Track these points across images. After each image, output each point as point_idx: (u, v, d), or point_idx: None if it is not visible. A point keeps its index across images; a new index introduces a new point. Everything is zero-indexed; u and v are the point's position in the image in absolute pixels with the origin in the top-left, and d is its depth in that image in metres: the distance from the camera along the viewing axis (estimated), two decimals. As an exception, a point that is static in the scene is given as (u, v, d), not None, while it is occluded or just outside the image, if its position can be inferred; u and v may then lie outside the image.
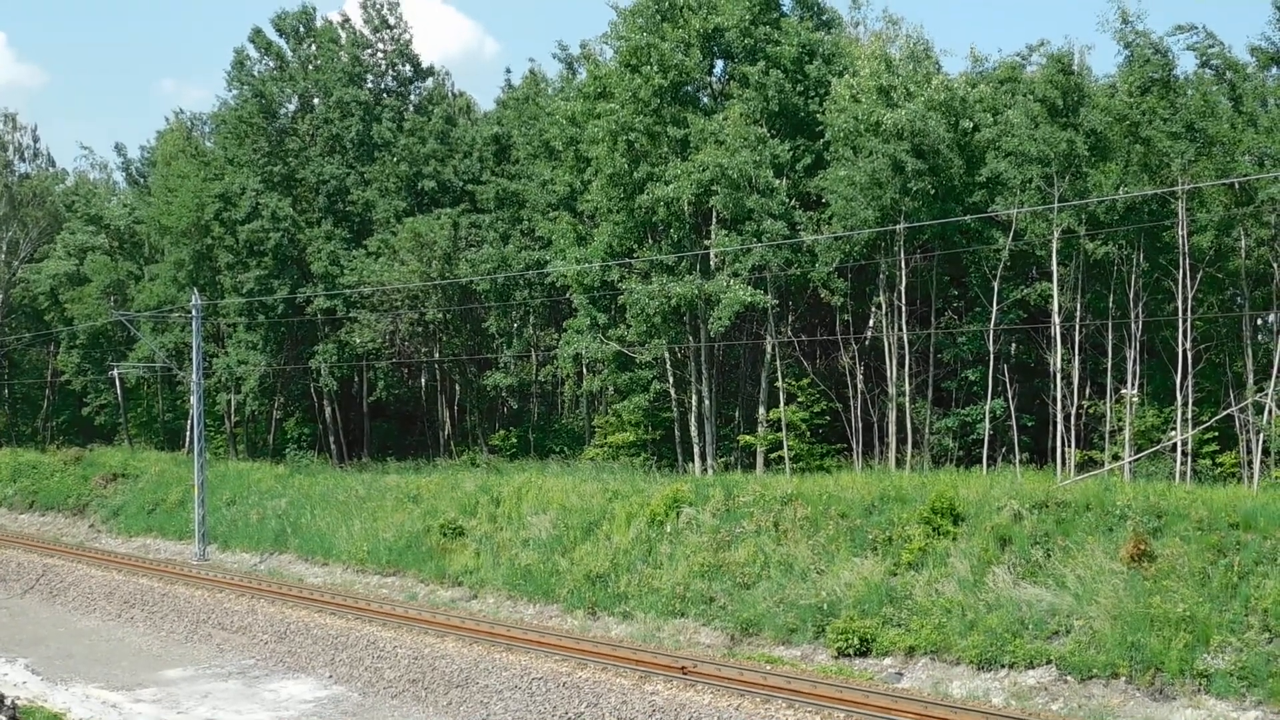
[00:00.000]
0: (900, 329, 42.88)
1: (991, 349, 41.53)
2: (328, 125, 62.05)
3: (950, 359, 43.74)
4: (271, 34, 64.96)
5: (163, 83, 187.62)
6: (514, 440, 56.51)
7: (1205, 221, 38.25)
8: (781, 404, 44.92)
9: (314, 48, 64.91)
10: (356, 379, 62.63)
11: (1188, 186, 37.48)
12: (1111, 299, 40.28)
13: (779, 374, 45.42)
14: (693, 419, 46.85)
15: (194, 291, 53.51)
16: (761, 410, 46.10)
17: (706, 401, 46.34)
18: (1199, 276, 38.67)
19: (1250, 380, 38.79)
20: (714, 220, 45.61)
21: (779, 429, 44.78)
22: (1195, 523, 27.62)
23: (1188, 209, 37.95)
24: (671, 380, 47.45)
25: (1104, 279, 40.75)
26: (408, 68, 66.22)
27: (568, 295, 50.31)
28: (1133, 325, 39.60)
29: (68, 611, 38.85)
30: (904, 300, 42.71)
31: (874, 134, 42.18)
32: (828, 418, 45.83)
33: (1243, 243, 38.77)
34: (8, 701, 24.77)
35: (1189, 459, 38.04)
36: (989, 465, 40.74)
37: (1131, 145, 38.93)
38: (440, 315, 55.99)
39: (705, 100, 49.88)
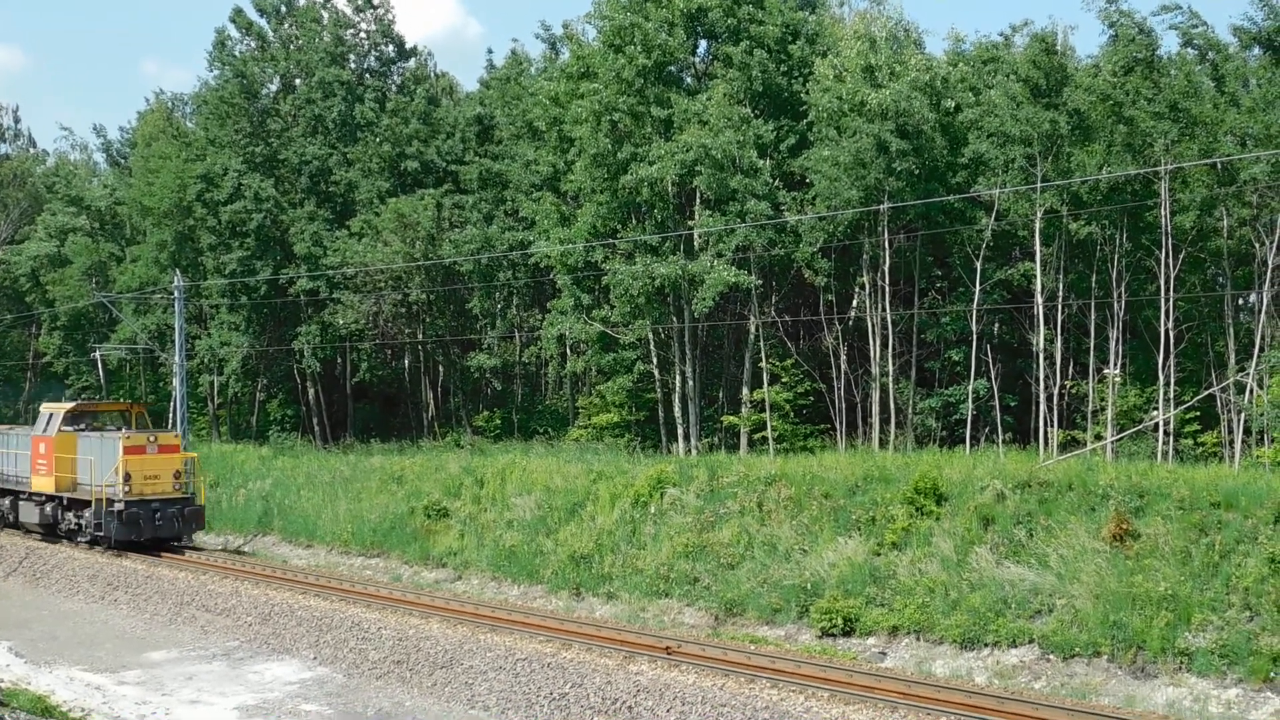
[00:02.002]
0: (884, 309, 42.93)
1: (974, 329, 41.61)
2: (310, 106, 61.77)
3: (933, 339, 43.82)
4: (253, 14, 64.65)
5: (145, 64, 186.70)
6: (498, 421, 56.49)
7: (1188, 202, 38.34)
8: (765, 384, 44.96)
9: (296, 28, 64.61)
10: (340, 360, 62.50)
11: (1170, 167, 37.56)
12: (1094, 279, 40.38)
13: (763, 354, 45.46)
14: (676, 400, 46.87)
15: (176, 273, 53.32)
16: (745, 391, 46.14)
17: (690, 382, 46.36)
18: (1181, 256, 38.79)
19: (1232, 360, 38.94)
20: (698, 201, 45.58)
21: (763, 409, 44.82)
22: (1177, 502, 27.73)
23: (1170, 189, 38.05)
24: (655, 361, 47.46)
25: (1087, 259, 40.85)
26: (390, 48, 65.96)
27: (551, 276, 50.26)
28: (1115, 305, 39.71)
29: (51, 594, 38.77)
30: (887, 280, 42.76)
31: (858, 114, 42.17)
32: (811, 398, 45.89)
33: (1225, 222, 38.91)
34: (-9, 684, 24.74)
35: (1171, 438, 38.20)
36: (972, 445, 40.85)
37: (1115, 125, 38.99)
38: (424, 296, 55.88)
39: (689, 80, 49.81)
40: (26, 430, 45.51)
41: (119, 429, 43.21)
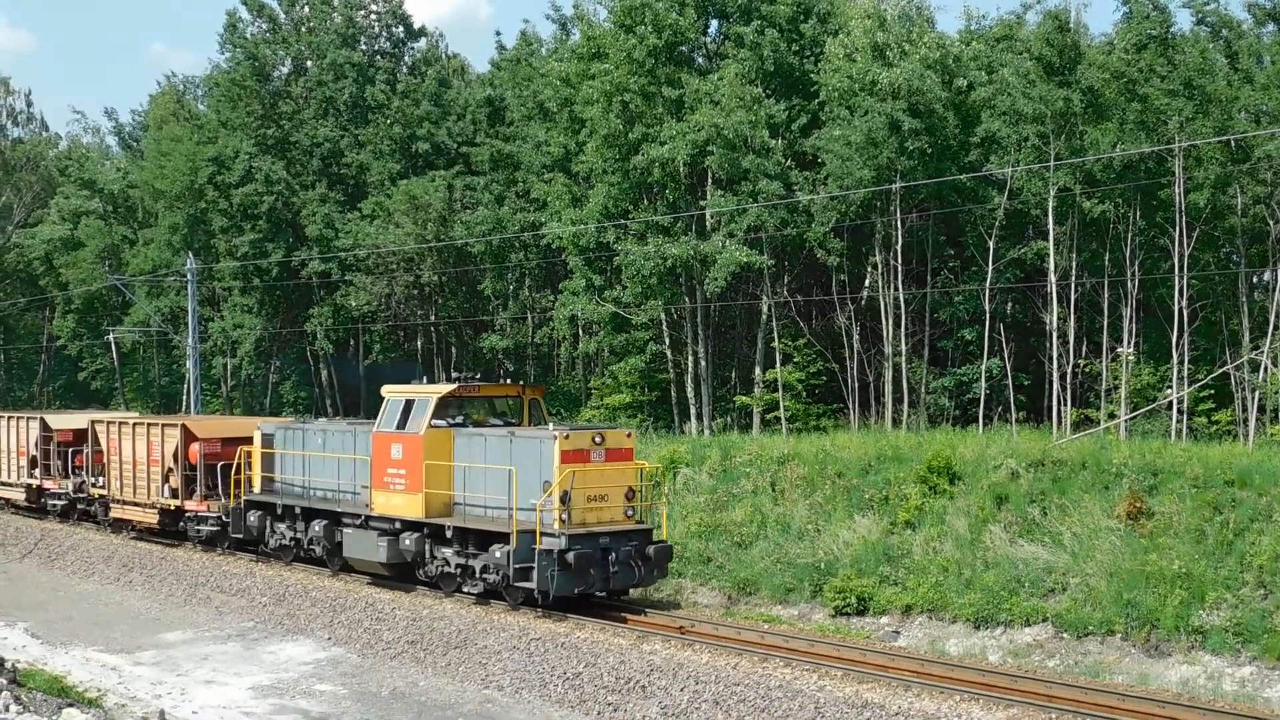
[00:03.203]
0: (896, 289, 42.84)
1: (987, 308, 41.51)
2: (321, 88, 61.75)
3: (946, 318, 43.72)
4: (264, -4, 64.65)
5: (153, 46, 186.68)
6: (510, 402, 56.44)
7: (1202, 179, 38.17)
8: (778, 364, 44.92)
9: (307, 9, 64.55)
10: (352, 342, 62.57)
11: (1184, 144, 37.38)
12: (1108, 257, 40.24)
13: (775, 334, 45.40)
14: (689, 380, 46.85)
15: (189, 255, 53.43)
16: (758, 371, 46.11)
17: (703, 363, 46.34)
18: (1195, 234, 38.62)
19: (1246, 338, 38.81)
20: (710, 181, 45.49)
21: (775, 389, 44.79)
22: (1191, 480, 27.67)
23: (1184, 167, 37.88)
24: (668, 341, 47.42)
25: (1100, 237, 40.71)
26: (401, 29, 65.90)
27: (563, 257, 50.21)
28: (1129, 283, 39.59)
29: (66, 575, 38.92)
30: (900, 260, 42.66)
31: (869, 93, 42.03)
32: (824, 378, 45.84)
33: (1239, 200, 38.72)
34: (8, 665, 24.84)
35: (1185, 417, 38.10)
36: (985, 424, 40.80)
37: (1128, 103, 38.81)
38: (436, 278, 55.89)
39: (700, 60, 49.65)
40: (358, 426, 32.41)
41: (504, 422, 30.34)
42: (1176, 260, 38.19)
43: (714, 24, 50.06)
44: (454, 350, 60.30)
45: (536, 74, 55.88)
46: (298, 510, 33.34)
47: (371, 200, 57.84)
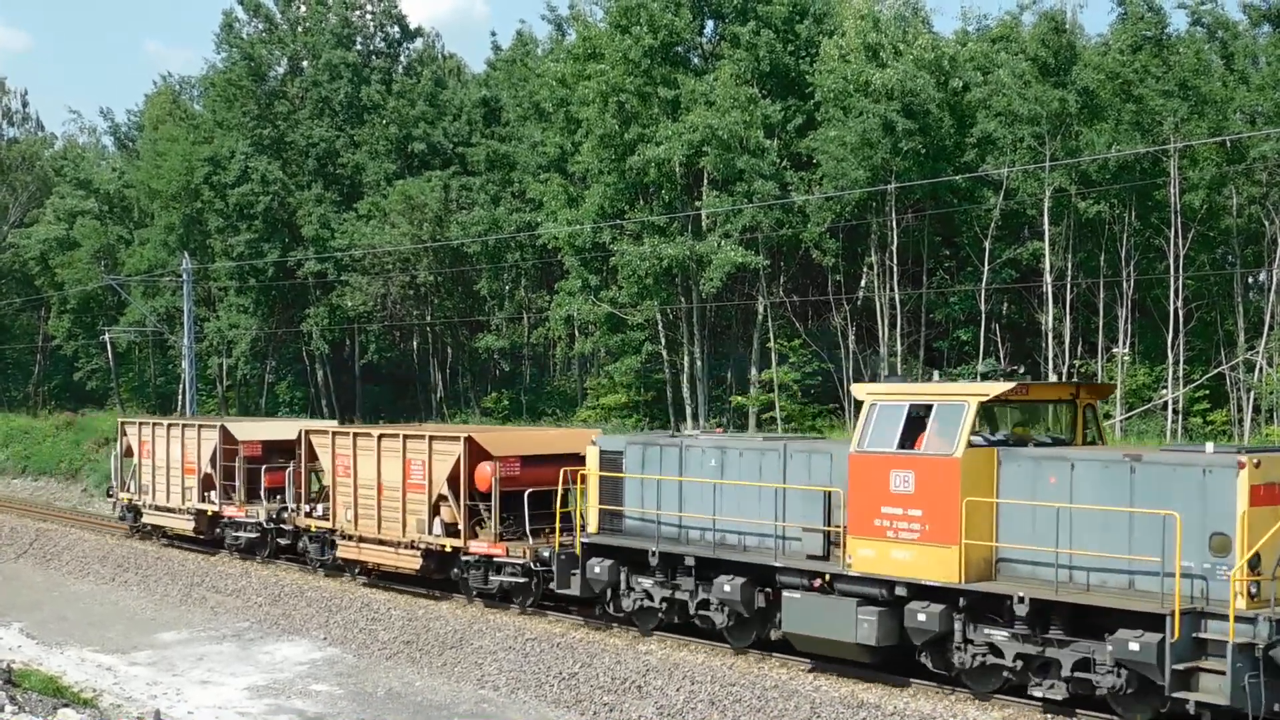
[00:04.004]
0: (892, 289, 42.88)
1: (983, 308, 41.55)
2: (316, 88, 61.76)
3: (942, 319, 43.76)
4: (259, -4, 64.63)
5: (149, 46, 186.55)
6: (506, 402, 56.52)
7: (1197, 180, 38.23)
8: (774, 365, 44.95)
9: (303, 9, 64.54)
10: (348, 342, 62.58)
11: (1180, 145, 37.44)
12: (1103, 258, 40.30)
13: (771, 335, 45.44)
14: (685, 380, 46.88)
15: (184, 255, 53.39)
16: (753, 371, 46.14)
17: (698, 363, 46.37)
18: (1190, 235, 38.68)
19: (1241, 338, 38.88)
20: (705, 181, 45.52)
21: (771, 390, 44.82)
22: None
23: (1179, 167, 37.93)
24: (663, 342, 47.46)
25: (1096, 238, 40.76)
26: (396, 29, 65.91)
27: (559, 257, 50.24)
28: (1124, 284, 39.65)
29: (62, 575, 38.88)
30: (895, 260, 42.71)
31: (863, 94, 42.06)
32: (820, 378, 45.87)
33: (1234, 201, 38.78)
34: (3, 665, 24.83)
35: (1180, 417, 38.15)
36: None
37: (1123, 104, 38.86)
38: (431, 278, 55.90)
39: (696, 61, 49.69)
40: (787, 442, 23.12)
41: (1052, 440, 21.08)
42: (1172, 261, 38.24)
43: (709, 24, 50.12)
44: (449, 350, 60.32)
45: (532, 74, 55.93)
46: (689, 561, 23.65)
47: (367, 200, 57.85)
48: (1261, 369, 37.24)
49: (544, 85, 51.49)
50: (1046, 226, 40.10)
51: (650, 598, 24.52)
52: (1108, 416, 38.45)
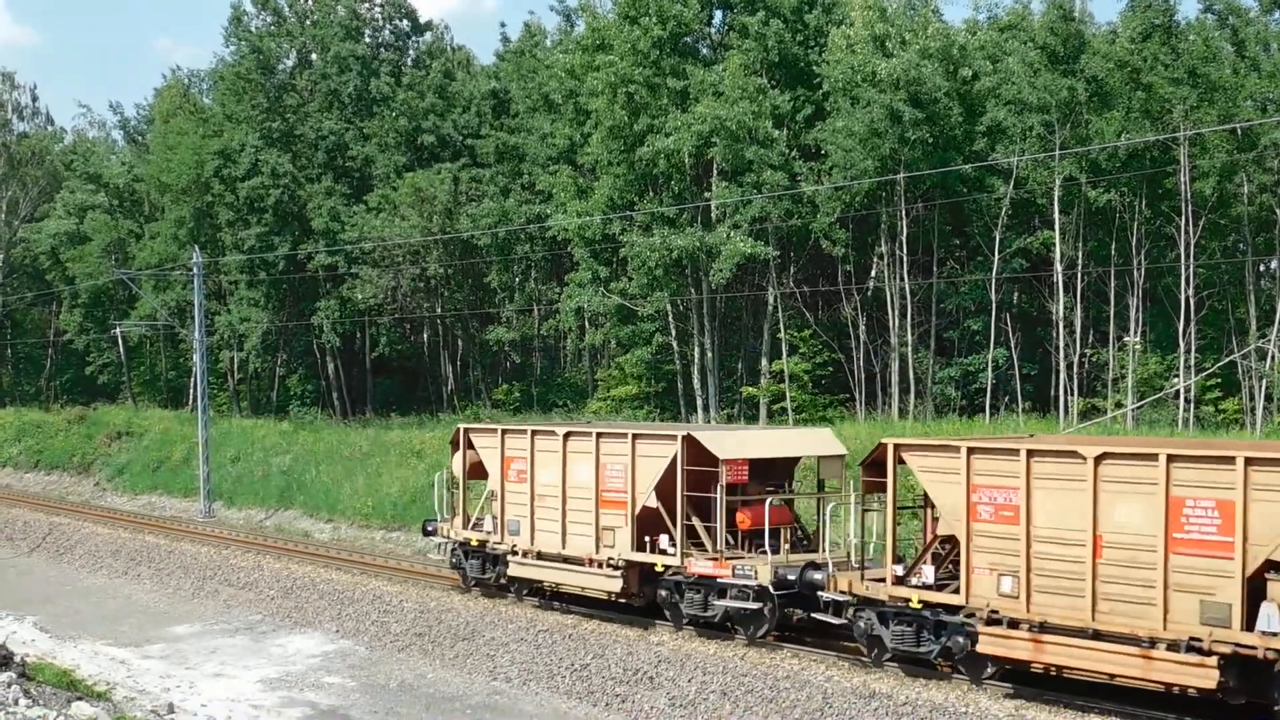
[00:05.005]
0: (902, 279, 42.81)
1: (993, 298, 41.48)
2: (326, 80, 61.75)
3: (952, 308, 43.70)
4: (268, -11, 64.61)
5: (159, 41, 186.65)
6: (517, 394, 56.54)
7: (1207, 168, 38.10)
8: (784, 355, 44.90)
9: (311, 2, 64.52)
10: (359, 335, 62.61)
11: (1190, 133, 37.32)
12: (1114, 246, 40.19)
13: (781, 325, 45.38)
14: (695, 371, 46.85)
15: (195, 249, 53.38)
16: (764, 362, 46.10)
17: (709, 354, 46.35)
18: (1201, 223, 38.57)
19: (1253, 326, 38.78)
20: (714, 172, 45.47)
21: (781, 380, 44.77)
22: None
23: (1190, 155, 37.81)
24: (674, 333, 47.43)
25: (1106, 226, 40.65)
26: (405, 22, 65.89)
27: (569, 249, 50.22)
28: (1135, 272, 39.54)
29: (74, 569, 39.02)
30: (905, 250, 42.63)
31: (870, 84, 41.97)
32: (830, 368, 45.83)
33: (1245, 189, 38.65)
34: (17, 659, 24.91)
35: (1192, 406, 38.05)
36: (992, 414, 40.77)
37: (1133, 92, 38.74)
38: (442, 270, 55.90)
39: (704, 51, 49.61)
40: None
41: None
42: (1183, 249, 38.13)
43: (718, 15, 50.01)
44: (460, 342, 60.35)
45: (541, 66, 55.86)
46: None
47: (377, 193, 57.85)
48: (1273, 357, 37.12)
49: (553, 77, 51.45)
50: (1057, 215, 40.01)
51: None
52: (1119, 406, 38.41)
